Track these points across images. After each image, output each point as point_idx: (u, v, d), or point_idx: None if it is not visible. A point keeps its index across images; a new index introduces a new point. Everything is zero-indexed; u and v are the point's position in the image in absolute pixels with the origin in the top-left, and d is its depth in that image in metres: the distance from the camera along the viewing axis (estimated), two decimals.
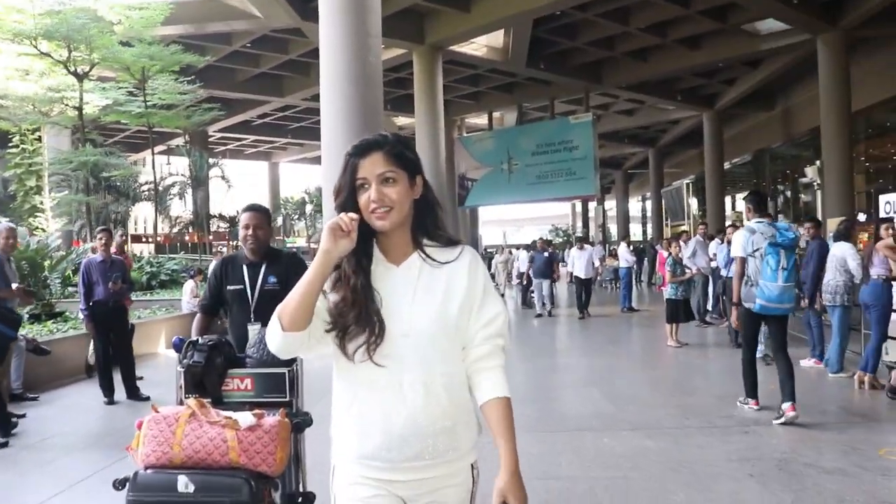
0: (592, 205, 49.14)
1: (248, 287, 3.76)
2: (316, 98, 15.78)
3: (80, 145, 20.97)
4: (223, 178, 30.71)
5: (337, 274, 1.72)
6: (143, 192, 29.41)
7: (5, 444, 5.92)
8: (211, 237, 36.57)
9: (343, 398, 1.79)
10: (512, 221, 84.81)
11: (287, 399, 3.13)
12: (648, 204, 49.15)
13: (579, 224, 57.71)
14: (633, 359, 10.32)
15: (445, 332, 1.75)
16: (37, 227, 22.56)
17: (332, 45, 12.46)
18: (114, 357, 7.87)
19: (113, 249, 8.56)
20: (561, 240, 50.67)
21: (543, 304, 16.00)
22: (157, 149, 25.75)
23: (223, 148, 44.89)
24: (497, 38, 25.76)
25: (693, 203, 33.08)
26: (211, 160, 30.94)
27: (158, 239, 32.58)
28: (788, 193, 31.88)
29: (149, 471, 2.52)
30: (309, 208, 51.56)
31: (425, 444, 1.71)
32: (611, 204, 56.29)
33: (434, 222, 1.83)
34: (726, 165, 34.30)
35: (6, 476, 5.23)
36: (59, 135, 25.76)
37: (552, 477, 4.79)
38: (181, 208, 33.25)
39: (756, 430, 5.74)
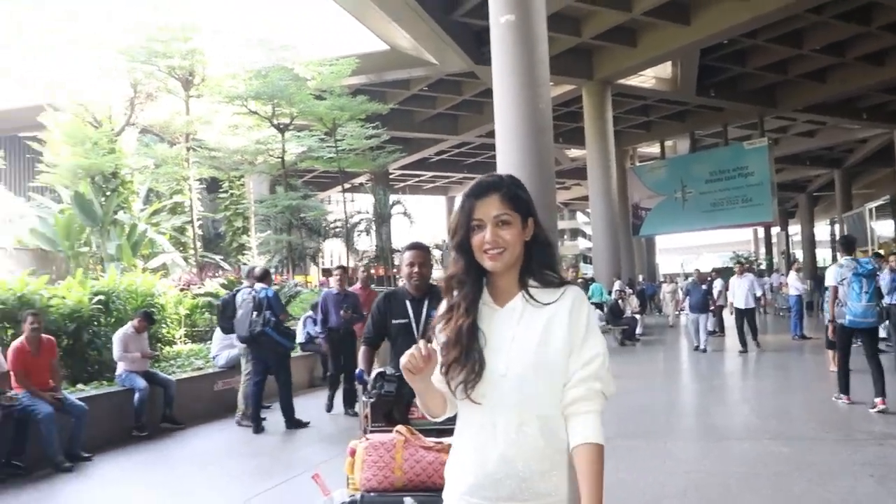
0: (776, 230, 47.27)
1: (414, 321, 3.94)
2: (490, 135, 16.93)
3: (285, 190, 23.54)
4: (405, 214, 32.93)
5: (448, 315, 1.78)
6: (332, 229, 31.93)
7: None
8: (395, 270, 38.96)
9: (455, 435, 1.86)
10: (690, 249, 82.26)
11: None
12: (837, 228, 46.49)
13: (762, 250, 55.41)
14: (788, 381, 10.62)
15: (542, 374, 1.73)
16: (245, 264, 25.38)
17: (505, 98, 13.68)
18: (342, 374, 8.89)
19: (359, 286, 9.90)
20: None
21: (699, 338, 14.57)
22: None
23: (402, 184, 47.54)
24: (665, 68, 26.11)
25: (879, 227, 30.91)
26: (392, 197, 33.32)
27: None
28: None
29: (371, 494, 2.67)
30: None
31: (519, 485, 1.71)
32: (795, 228, 53.67)
33: (542, 263, 1.82)
34: None
35: (262, 459, 6.80)
36: (262, 182, 29.04)
37: (694, 471, 5.66)
38: (367, 243, 35.72)
39: (892, 444, 6.16)
